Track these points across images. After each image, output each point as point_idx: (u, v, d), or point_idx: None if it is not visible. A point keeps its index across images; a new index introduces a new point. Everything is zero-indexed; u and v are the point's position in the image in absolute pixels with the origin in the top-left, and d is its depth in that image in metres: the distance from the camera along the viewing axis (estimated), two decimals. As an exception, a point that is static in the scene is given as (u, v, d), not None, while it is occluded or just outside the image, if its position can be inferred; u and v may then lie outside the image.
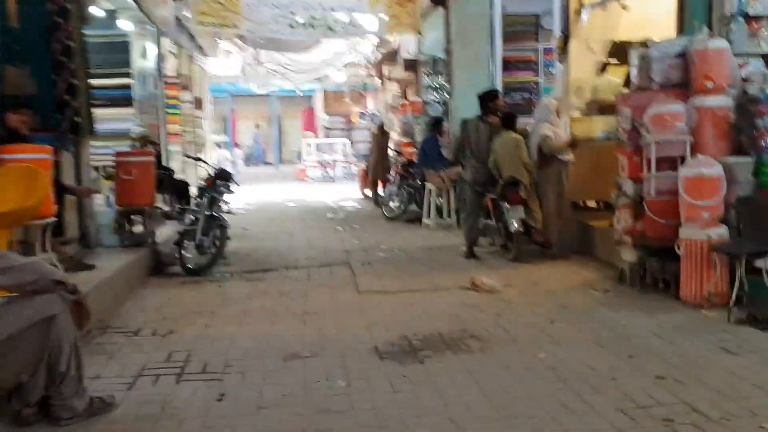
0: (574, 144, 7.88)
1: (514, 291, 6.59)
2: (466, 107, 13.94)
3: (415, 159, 13.51)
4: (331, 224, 12.35)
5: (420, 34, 14.67)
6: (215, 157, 22.64)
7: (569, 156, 7.88)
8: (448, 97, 15.29)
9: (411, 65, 17.44)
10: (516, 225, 7.70)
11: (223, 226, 7.98)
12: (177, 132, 17.30)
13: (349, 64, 24.30)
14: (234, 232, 11.47)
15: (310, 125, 30.91)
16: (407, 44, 17.90)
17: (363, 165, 18.29)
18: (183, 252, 7.93)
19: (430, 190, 11.35)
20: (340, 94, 28.77)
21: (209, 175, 8.48)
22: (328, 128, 30.82)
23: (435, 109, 16.83)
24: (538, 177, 7.97)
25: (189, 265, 7.86)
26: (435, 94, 17.15)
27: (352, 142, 28.56)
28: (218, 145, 24.49)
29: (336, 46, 22.46)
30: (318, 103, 30.43)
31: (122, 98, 12.89)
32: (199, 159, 10.19)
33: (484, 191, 8.24)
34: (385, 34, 16.48)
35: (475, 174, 8.26)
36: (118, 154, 8.22)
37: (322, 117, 30.24)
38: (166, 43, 14.46)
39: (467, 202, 8.40)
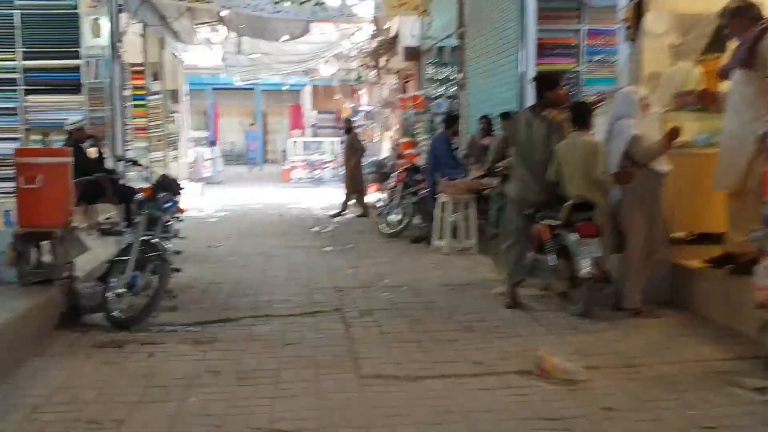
0: (674, 137, 5.29)
1: (605, 380, 4.10)
2: (483, 102, 11.51)
3: (419, 162, 11.02)
4: (318, 241, 9.82)
5: (428, 15, 12.14)
6: (191, 155, 20.01)
7: (667, 166, 5.41)
8: (458, 90, 12.84)
9: (412, 54, 15.00)
10: (589, 267, 5.21)
11: (163, 259, 5.44)
12: (143, 126, 14.76)
13: (341, 55, 21.82)
14: (196, 250, 8.97)
15: (297, 122, 28.35)
16: (408, 31, 15.43)
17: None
18: (109, 293, 5.41)
19: (443, 204, 8.85)
20: (330, 89, 26.24)
21: (150, 184, 5.90)
22: (316, 126, 28.30)
23: (439, 105, 14.41)
24: (622, 196, 5.51)
25: (115, 313, 5.32)
26: (440, 87, 14.74)
27: (342, 142, 26.04)
28: (196, 142, 21.85)
29: (326, 35, 19.97)
30: (306, 99, 27.85)
31: (68, 83, 10.36)
32: (133, 162, 7.64)
33: (536, 214, 5.76)
34: (385, 15, 14.02)
35: (524, 189, 5.77)
36: (19, 152, 5.60)
37: (310, 114, 27.70)
38: (126, 20, 11.81)
39: (511, 227, 5.91)
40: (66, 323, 5.34)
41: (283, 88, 25.11)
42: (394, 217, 10.22)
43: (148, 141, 15.03)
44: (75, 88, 10.25)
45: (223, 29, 19.84)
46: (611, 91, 7.63)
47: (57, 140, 9.34)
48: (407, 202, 10.17)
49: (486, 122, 9.87)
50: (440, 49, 14.57)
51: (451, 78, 14.64)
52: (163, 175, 6.28)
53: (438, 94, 14.55)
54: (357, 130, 13.39)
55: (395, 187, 10.70)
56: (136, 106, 15.21)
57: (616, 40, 9.47)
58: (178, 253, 6.36)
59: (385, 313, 5.70)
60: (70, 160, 5.72)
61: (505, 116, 9.27)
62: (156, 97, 15.58)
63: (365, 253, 8.82)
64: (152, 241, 5.52)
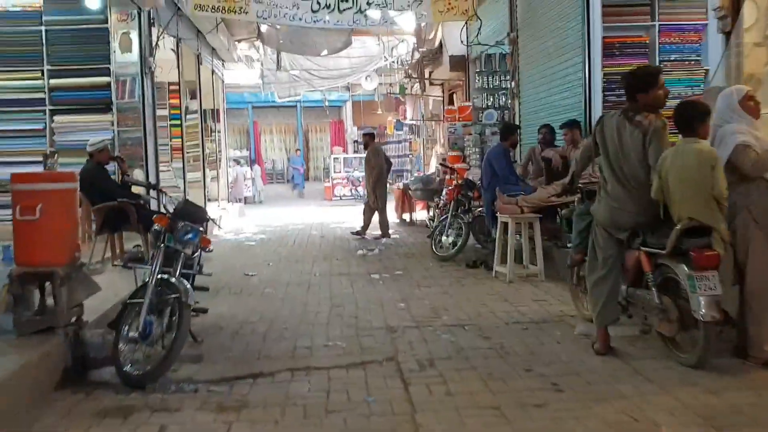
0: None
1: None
2: (540, 111, 10.40)
3: (472, 178, 9.95)
4: (364, 266, 8.80)
5: (478, 19, 11.10)
6: (231, 174, 19.29)
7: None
8: (510, 99, 11.76)
9: (459, 64, 13.97)
10: (708, 307, 4.06)
11: (182, 301, 4.47)
12: (179, 147, 14.06)
13: (382, 69, 20.94)
14: (230, 279, 8.07)
15: (338, 139, 27.53)
16: (454, 39, 14.39)
17: (400, 184, 14.77)
18: (122, 343, 4.48)
19: (504, 225, 7.76)
20: (371, 104, 25.36)
21: (166, 212, 4.93)
22: (358, 142, 27.42)
23: (490, 116, 13.31)
24: (737, 217, 4.38)
25: (127, 368, 4.38)
26: (490, 97, 13.65)
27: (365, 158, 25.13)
28: (237, 161, 21.14)
29: (367, 48, 19.11)
30: (347, 115, 27.03)
31: (97, 102, 9.61)
32: (152, 186, 6.71)
33: (632, 239, 4.64)
34: (432, 22, 13.02)
35: (616, 209, 4.64)
36: (15, 178, 4.71)
37: (351, 130, 26.86)
38: (158, 35, 11.08)
39: (599, 256, 4.79)
40: (70, 380, 4.42)
41: (325, 105, 24.30)
42: (447, 239, 9.15)
43: (187, 161, 14.34)
44: (105, 107, 9.50)
45: (262, 46, 19.17)
46: (706, 91, 6.49)
47: (71, 162, 8.55)
48: (461, 222, 9.10)
49: (546, 132, 8.75)
50: (489, 56, 13.50)
51: (501, 87, 13.58)
52: (185, 200, 5.34)
53: (487, 104, 13.47)
54: (377, 144, 12.30)
55: (446, 205, 9.65)
56: (172, 125, 14.58)
57: (697, 36, 8.34)
58: (204, 290, 5.43)
59: (449, 363, 4.62)
60: (74, 185, 4.81)
61: (571, 125, 8.18)
62: (193, 116, 14.88)
63: (417, 280, 7.76)
64: (171, 280, 4.57)
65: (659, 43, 8.23)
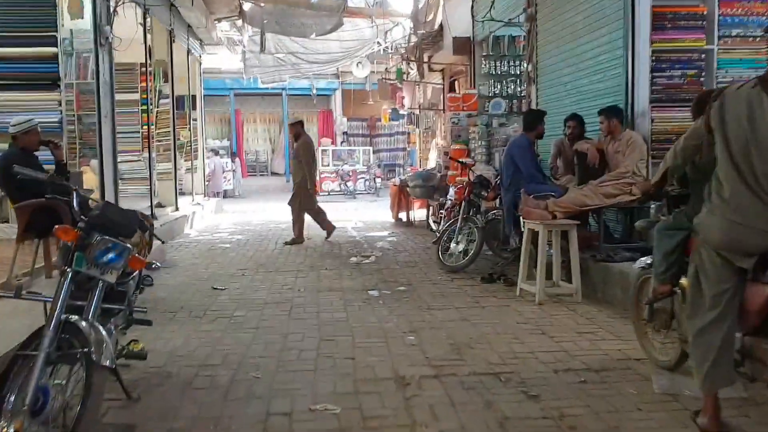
0: None
1: None
2: (564, 98, 8.88)
3: (485, 174, 8.45)
4: (360, 279, 7.27)
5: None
6: (208, 165, 17.65)
7: None
8: (525, 85, 10.25)
9: (462, 47, 12.45)
10: None
11: (91, 360, 2.91)
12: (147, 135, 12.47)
13: (375, 55, 19.38)
14: (194, 295, 6.53)
15: (326, 130, 25.94)
16: (456, 20, 12.90)
17: (396, 180, 13.23)
18: (2, 419, 2.92)
19: (531, 232, 6.27)
20: (362, 94, 23.80)
21: (81, 223, 3.31)
22: (347, 134, 25.86)
23: (497, 105, 11.85)
24: None
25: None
26: (497, 84, 12.18)
27: (375, 150, 23.57)
28: (215, 151, 19.47)
29: (360, 30, 17.54)
30: (336, 105, 25.44)
31: (43, 77, 8.03)
32: (50, 179, 5.09)
33: (762, 270, 3.14)
34: (431, 3, 11.50)
35: (738, 228, 3.10)
36: None
37: (341, 120, 25.27)
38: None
39: (707, 291, 3.28)
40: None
41: (312, 93, 22.69)
42: (456, 246, 7.64)
43: (156, 151, 12.72)
44: (51, 83, 7.89)
45: (245, 28, 17.54)
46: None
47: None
48: (473, 226, 7.59)
49: (576, 124, 7.25)
50: (497, 39, 12.01)
51: (510, 73, 12.08)
52: (106, 203, 3.69)
53: (494, 92, 11.98)
54: (308, 136, 10.59)
55: (455, 206, 8.14)
56: (143, 111, 13.00)
57: (764, 8, 6.88)
58: (146, 323, 3.88)
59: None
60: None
61: (610, 112, 6.69)
62: (165, 100, 13.25)
63: (425, 299, 6.24)
64: (79, 324, 3.01)
65: (719, 15, 6.76)
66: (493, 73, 12.02)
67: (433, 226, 8.96)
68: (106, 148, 8.53)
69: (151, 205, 10.59)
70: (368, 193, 20.64)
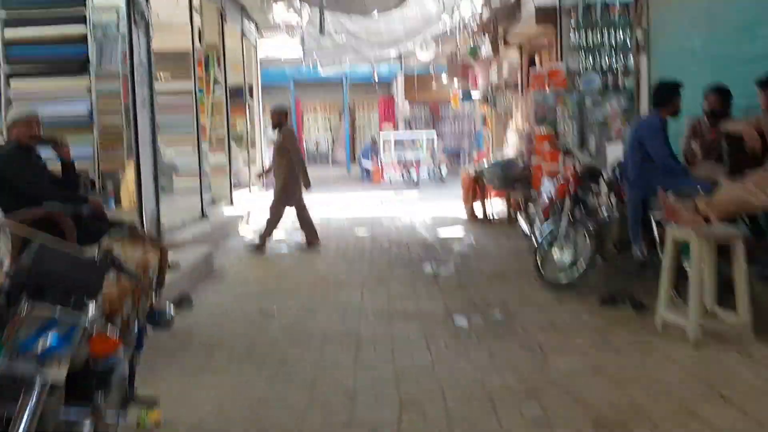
0: None
1: None
2: (688, 68, 7.07)
3: (599, 166, 6.75)
4: (440, 298, 5.72)
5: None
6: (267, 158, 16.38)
7: None
8: (633, 54, 8.47)
9: (546, 17, 10.62)
10: None
11: None
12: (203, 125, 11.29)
13: (441, 36, 17.70)
14: (235, 320, 5.13)
15: (388, 116, 24.40)
16: (539, -14, 11.09)
17: (469, 170, 11.59)
18: None
19: (674, 243, 4.59)
20: (425, 78, 22.12)
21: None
22: (409, 120, 24.25)
23: (590, 80, 10.06)
24: None
25: None
26: (589, 57, 10.36)
27: (439, 136, 21.89)
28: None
29: (424, 6, 15.88)
30: (398, 90, 23.84)
31: (70, 61, 6.81)
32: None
33: None
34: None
35: None
36: None
37: (403, 106, 23.68)
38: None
39: None
40: None
41: (374, 79, 21.16)
42: (561, 256, 6.00)
43: (209, 144, 11.48)
44: (79, 68, 6.63)
45: (303, 8, 16.13)
46: None
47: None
48: (583, 229, 5.93)
49: (718, 99, 5.48)
50: (588, 6, 10.18)
51: (604, 44, 10.24)
52: (39, 248, 2.07)
53: (586, 66, 10.18)
54: (291, 126, 8.95)
55: (557, 203, 6.49)
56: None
57: None
58: (148, 404, 2.46)
59: None
60: None
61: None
62: (218, 88, 11.99)
63: (533, 334, 4.63)
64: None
65: None
66: (584, 45, 10.21)
67: (524, 227, 7.33)
68: (144, 142, 7.21)
69: (201, 203, 9.32)
70: (433, 181, 19.04)
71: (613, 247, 6.12)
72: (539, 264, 6.12)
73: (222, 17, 11.08)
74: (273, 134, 9.51)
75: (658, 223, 5.24)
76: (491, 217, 10.53)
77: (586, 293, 5.59)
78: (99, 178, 6.60)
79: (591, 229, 5.85)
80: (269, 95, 23.57)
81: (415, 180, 18.84)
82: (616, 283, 5.64)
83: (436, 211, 12.44)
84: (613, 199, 6.11)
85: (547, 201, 6.81)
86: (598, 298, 5.37)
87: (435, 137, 20.72)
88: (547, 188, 6.96)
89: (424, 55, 18.54)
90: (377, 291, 6.08)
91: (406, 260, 7.60)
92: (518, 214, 8.12)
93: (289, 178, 8.44)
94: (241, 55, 12.89)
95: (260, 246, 8.30)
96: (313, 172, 25.68)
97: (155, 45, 13.52)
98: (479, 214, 10.81)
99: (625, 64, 10.26)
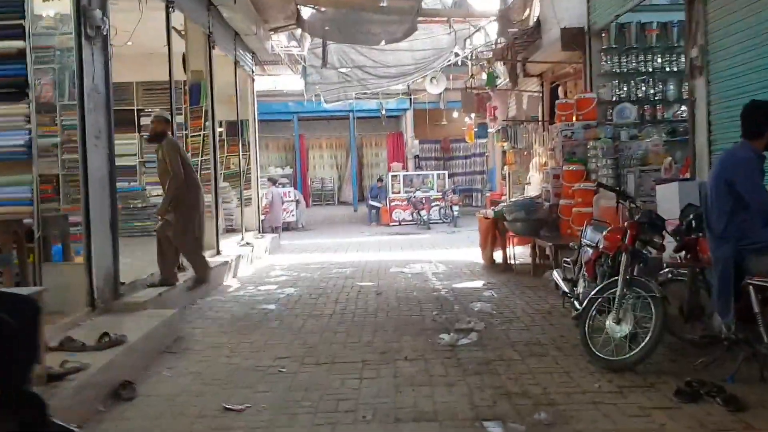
0: None
1: None
2: (748, 95, 5.69)
3: (658, 212, 5.39)
4: (464, 389, 4.30)
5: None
6: (265, 197, 15.13)
7: None
8: (688, 77, 7.15)
9: (574, 40, 9.44)
10: None
11: None
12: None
13: (451, 70, 16.63)
14: (199, 417, 3.71)
15: (396, 154, 23.24)
16: (564, 8, 9.96)
17: (487, 212, 10.24)
18: None
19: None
20: (435, 113, 21.02)
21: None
22: (419, 157, 23.04)
23: (623, 111, 8.82)
24: None
25: None
26: (623, 84, 9.13)
27: (450, 174, 20.61)
28: (272, 180, 16.93)
29: (435, 38, 14.80)
30: (407, 126, 22.70)
31: (5, 84, 5.54)
32: None
33: None
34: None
35: None
36: None
37: (412, 143, 22.51)
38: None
39: None
40: None
41: (382, 114, 20.05)
42: (617, 327, 4.58)
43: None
44: (17, 92, 5.37)
45: (304, 38, 15.07)
46: None
47: None
48: (645, 293, 4.52)
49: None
50: (621, 27, 8.99)
51: (640, 71, 8.99)
52: None
53: (619, 96, 8.91)
54: (173, 138, 7.23)
55: (606, 259, 5.10)
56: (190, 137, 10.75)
57: None
58: None
59: None
60: None
61: None
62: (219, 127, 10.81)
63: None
64: None
65: None
66: (617, 71, 8.97)
67: (562, 285, 5.94)
68: (97, 182, 5.89)
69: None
70: (444, 223, 17.71)
71: (679, 313, 4.75)
72: (587, 337, 4.70)
73: (209, 42, 9.90)
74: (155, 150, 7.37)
75: (759, 290, 3.85)
76: (513, 265, 9.13)
77: (653, 379, 4.17)
78: (38, 225, 5.31)
79: (657, 293, 4.45)
80: (272, 130, 22.49)
81: (426, 221, 17.53)
82: (689, 365, 4.22)
83: (450, 256, 11.08)
84: (681, 254, 4.73)
85: (591, 255, 5.41)
86: (672, 388, 3.94)
87: (446, 175, 19.46)
88: (591, 238, 5.57)
89: (435, 89, 17.42)
90: (380, 372, 4.66)
91: (417, 324, 6.18)
92: (554, 270, 6.70)
93: (184, 199, 6.89)
94: (233, 86, 11.71)
95: (166, 280, 6.83)
96: (318, 211, 24.29)
97: (142, 76, 12.26)
98: (498, 260, 9.44)
99: (663, 92, 9.02)
